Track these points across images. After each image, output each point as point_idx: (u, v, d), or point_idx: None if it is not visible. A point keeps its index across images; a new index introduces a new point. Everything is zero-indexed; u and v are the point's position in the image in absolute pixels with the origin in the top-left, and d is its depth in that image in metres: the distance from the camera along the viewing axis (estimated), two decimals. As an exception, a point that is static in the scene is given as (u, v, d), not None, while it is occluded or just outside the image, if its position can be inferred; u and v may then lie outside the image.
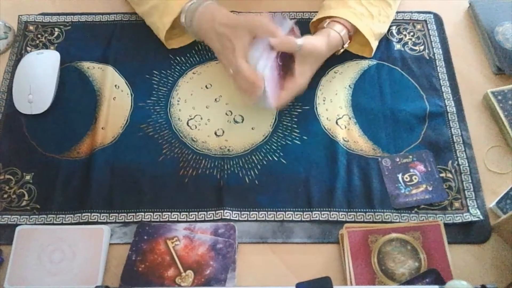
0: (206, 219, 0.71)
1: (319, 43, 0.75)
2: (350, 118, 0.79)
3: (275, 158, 0.76)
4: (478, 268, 0.68)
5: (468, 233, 0.70)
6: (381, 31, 0.82)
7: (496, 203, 0.71)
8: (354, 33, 0.79)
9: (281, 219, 0.71)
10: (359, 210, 0.71)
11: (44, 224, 0.71)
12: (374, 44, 0.81)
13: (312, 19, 0.83)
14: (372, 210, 0.71)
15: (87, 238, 0.69)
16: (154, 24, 0.82)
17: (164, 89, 0.82)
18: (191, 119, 0.79)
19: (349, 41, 0.79)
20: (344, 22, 0.77)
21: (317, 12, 0.82)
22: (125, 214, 0.71)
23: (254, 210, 0.72)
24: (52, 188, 0.74)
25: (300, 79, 0.74)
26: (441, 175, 0.74)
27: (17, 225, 0.70)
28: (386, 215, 0.71)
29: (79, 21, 0.89)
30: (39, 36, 0.88)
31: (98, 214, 0.71)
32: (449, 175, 0.74)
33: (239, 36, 0.70)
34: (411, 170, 0.74)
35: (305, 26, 0.84)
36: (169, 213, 0.72)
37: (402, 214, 0.71)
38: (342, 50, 0.80)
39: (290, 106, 0.80)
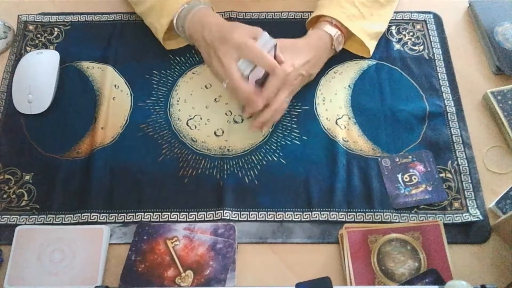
0: (206, 219, 0.71)
1: (297, 40, 0.77)
2: (349, 118, 0.79)
3: (275, 158, 0.76)
4: (478, 268, 0.68)
5: (467, 233, 0.70)
6: (377, 30, 0.82)
7: (495, 203, 0.71)
8: (350, 32, 0.79)
9: (281, 219, 0.71)
10: (359, 210, 0.71)
11: (43, 224, 0.71)
12: (371, 44, 0.81)
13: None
14: (372, 210, 0.71)
15: (87, 238, 0.68)
16: (152, 24, 0.82)
17: (164, 89, 0.82)
18: (191, 119, 0.79)
19: (339, 32, 0.78)
20: (335, 21, 0.77)
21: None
22: (124, 214, 0.71)
23: (253, 210, 0.72)
24: (51, 188, 0.74)
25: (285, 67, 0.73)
26: (441, 175, 0.74)
27: (16, 225, 0.70)
28: (386, 215, 0.71)
29: (78, 21, 0.89)
30: (38, 35, 0.88)
31: (98, 214, 0.71)
32: (449, 175, 0.74)
33: (227, 53, 0.71)
34: (411, 170, 0.74)
35: (304, 26, 0.83)
36: (169, 213, 0.72)
37: (402, 214, 0.71)
38: (337, 43, 0.79)
39: (289, 106, 0.80)
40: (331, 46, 0.79)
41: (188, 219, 0.71)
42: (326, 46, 0.78)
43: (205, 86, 0.82)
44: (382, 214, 0.71)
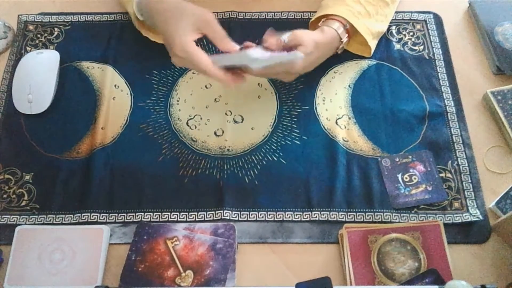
0: (206, 219, 0.71)
1: (309, 32, 0.75)
2: (349, 118, 0.79)
3: (275, 158, 0.76)
4: (478, 268, 0.68)
5: (467, 233, 0.70)
6: (379, 30, 0.82)
7: (495, 203, 0.71)
8: (353, 31, 0.79)
9: (281, 219, 0.71)
10: (359, 210, 0.71)
11: (43, 224, 0.71)
12: (372, 43, 0.81)
13: (311, 19, 0.83)
14: (372, 210, 0.71)
15: (87, 238, 0.69)
16: (127, 10, 0.81)
17: (164, 89, 0.82)
18: (191, 119, 0.79)
19: (346, 35, 0.78)
20: (341, 19, 0.77)
21: (315, 12, 0.82)
22: (124, 214, 0.71)
23: (253, 210, 0.72)
24: (51, 188, 0.74)
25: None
26: (441, 175, 0.74)
27: (16, 225, 0.70)
28: (386, 215, 0.71)
29: (78, 21, 0.89)
30: (38, 35, 0.88)
31: (98, 214, 0.71)
32: (449, 175, 0.74)
33: (183, 28, 0.67)
34: (411, 170, 0.74)
35: (304, 26, 0.83)
36: (169, 213, 0.72)
37: (402, 214, 0.71)
38: (341, 47, 0.80)
39: (290, 106, 0.80)
40: (336, 49, 0.79)
41: (188, 219, 0.71)
42: (333, 47, 0.78)
43: (205, 86, 0.82)
44: (382, 214, 0.71)
